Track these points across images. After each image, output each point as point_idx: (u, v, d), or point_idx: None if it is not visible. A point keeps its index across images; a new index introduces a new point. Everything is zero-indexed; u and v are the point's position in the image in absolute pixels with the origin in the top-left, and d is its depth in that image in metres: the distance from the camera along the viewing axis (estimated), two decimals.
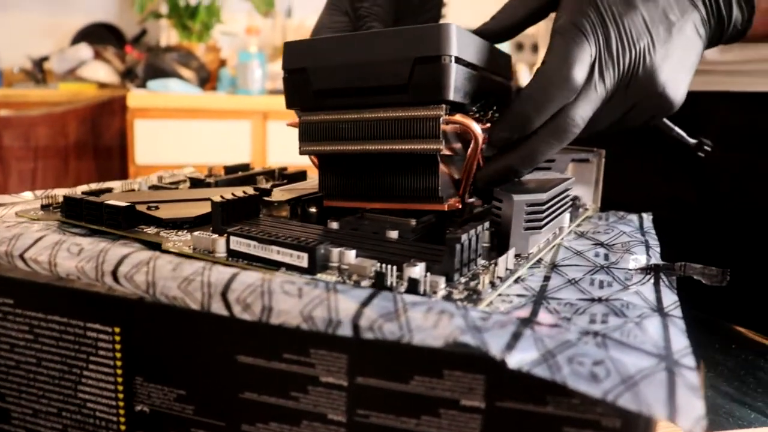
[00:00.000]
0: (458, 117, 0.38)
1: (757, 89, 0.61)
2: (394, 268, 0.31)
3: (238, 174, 0.62)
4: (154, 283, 0.30)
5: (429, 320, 0.26)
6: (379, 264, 0.32)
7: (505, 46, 2.71)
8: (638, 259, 0.40)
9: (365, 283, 0.32)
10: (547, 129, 0.39)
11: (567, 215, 0.45)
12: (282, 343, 0.28)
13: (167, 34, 2.61)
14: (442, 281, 0.31)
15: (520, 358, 0.24)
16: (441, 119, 0.37)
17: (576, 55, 0.38)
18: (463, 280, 0.33)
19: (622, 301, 0.31)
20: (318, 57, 0.40)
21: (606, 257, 0.40)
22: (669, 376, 0.23)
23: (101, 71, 2.46)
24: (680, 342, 0.27)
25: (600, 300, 0.32)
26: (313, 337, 0.28)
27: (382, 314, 0.26)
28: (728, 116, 0.63)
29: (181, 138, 2.17)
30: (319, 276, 0.33)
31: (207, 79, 2.33)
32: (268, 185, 0.57)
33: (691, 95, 0.64)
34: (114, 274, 0.31)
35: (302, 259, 0.33)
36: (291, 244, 0.33)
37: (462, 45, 0.37)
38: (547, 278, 0.36)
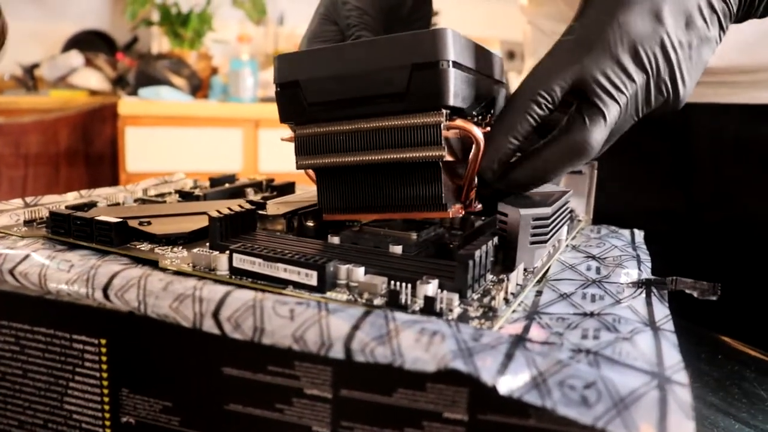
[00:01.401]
0: (459, 122, 0.38)
1: (747, 101, 0.61)
2: (408, 285, 0.31)
3: (225, 186, 0.61)
4: (144, 301, 0.30)
5: (421, 343, 0.26)
6: (388, 281, 0.31)
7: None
8: (630, 273, 0.40)
9: (378, 301, 0.31)
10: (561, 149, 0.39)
11: (565, 228, 0.45)
12: (267, 355, 0.28)
13: (159, 42, 2.61)
14: (455, 298, 0.31)
15: (511, 383, 0.24)
16: (442, 125, 0.37)
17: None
18: (475, 296, 0.32)
19: (614, 316, 0.31)
20: (311, 69, 0.40)
21: (598, 271, 0.40)
22: (661, 395, 0.23)
23: (92, 78, 2.46)
24: (672, 357, 0.27)
25: (592, 314, 0.32)
26: (301, 351, 0.28)
27: (374, 337, 0.26)
28: (719, 128, 0.64)
29: (173, 146, 2.16)
30: (329, 294, 0.32)
31: (198, 87, 2.33)
32: (257, 197, 0.56)
33: (683, 107, 0.65)
34: (105, 290, 0.31)
35: (311, 278, 0.32)
36: (299, 262, 0.32)
37: (458, 49, 0.37)
38: (539, 293, 0.36)
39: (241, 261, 0.34)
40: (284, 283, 0.33)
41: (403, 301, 0.30)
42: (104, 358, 0.32)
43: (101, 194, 0.55)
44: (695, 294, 0.38)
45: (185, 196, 0.58)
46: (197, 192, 0.57)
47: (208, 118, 2.19)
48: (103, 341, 0.32)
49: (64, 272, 0.32)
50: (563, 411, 0.23)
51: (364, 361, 0.26)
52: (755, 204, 0.63)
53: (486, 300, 0.32)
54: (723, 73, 0.62)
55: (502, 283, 0.34)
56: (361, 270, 0.33)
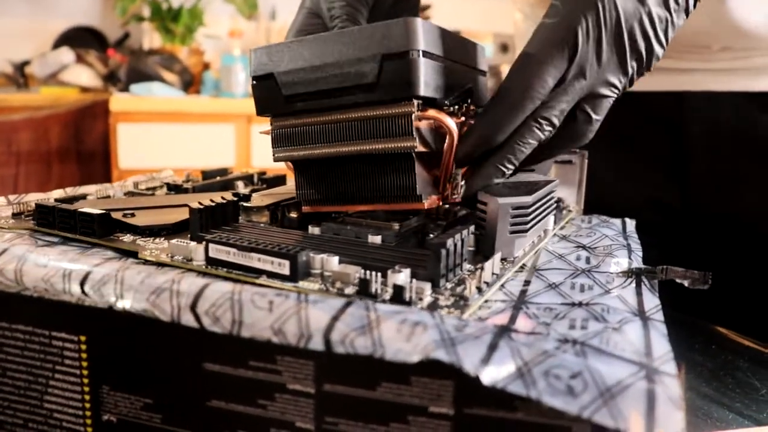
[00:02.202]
0: (431, 112, 0.37)
1: (742, 89, 0.61)
2: (379, 274, 0.30)
3: (216, 179, 0.62)
4: (122, 295, 0.29)
5: (402, 334, 0.25)
6: (362, 270, 0.31)
7: (489, 49, 2.72)
8: (620, 262, 0.39)
9: (349, 290, 0.31)
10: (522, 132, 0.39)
11: (551, 218, 0.45)
12: (248, 350, 0.28)
13: (150, 38, 2.60)
14: (428, 287, 0.30)
15: (495, 373, 0.23)
16: (413, 116, 0.37)
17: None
18: (449, 285, 0.32)
19: (603, 306, 0.31)
20: (285, 62, 0.40)
21: (588, 261, 0.40)
22: (649, 385, 0.23)
23: (83, 75, 2.44)
24: (661, 347, 0.26)
25: (580, 304, 0.31)
26: (280, 344, 0.27)
27: (354, 328, 0.26)
28: (713, 117, 0.63)
29: (165, 142, 2.15)
30: (301, 284, 0.32)
31: (190, 83, 2.32)
32: (246, 190, 0.57)
33: (676, 96, 0.64)
34: (81, 285, 0.30)
35: (284, 267, 0.32)
36: (272, 251, 0.32)
37: (429, 38, 0.37)
38: (527, 282, 0.35)
39: (216, 251, 0.34)
40: (258, 272, 0.33)
41: (374, 290, 0.30)
42: (84, 356, 0.32)
43: (90, 191, 0.55)
44: (686, 283, 0.37)
45: (174, 188, 0.58)
46: (186, 185, 0.57)
47: (200, 114, 2.18)
48: (83, 338, 0.31)
49: (41, 267, 0.32)
50: (548, 401, 0.23)
51: (344, 352, 0.26)
52: (750, 193, 0.63)
53: (459, 289, 0.32)
54: (716, 61, 0.61)
55: (479, 272, 0.33)
56: (335, 259, 0.33)
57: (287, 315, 0.27)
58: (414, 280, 0.31)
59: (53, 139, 2.19)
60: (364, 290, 0.30)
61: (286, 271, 0.32)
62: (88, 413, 0.32)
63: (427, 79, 0.37)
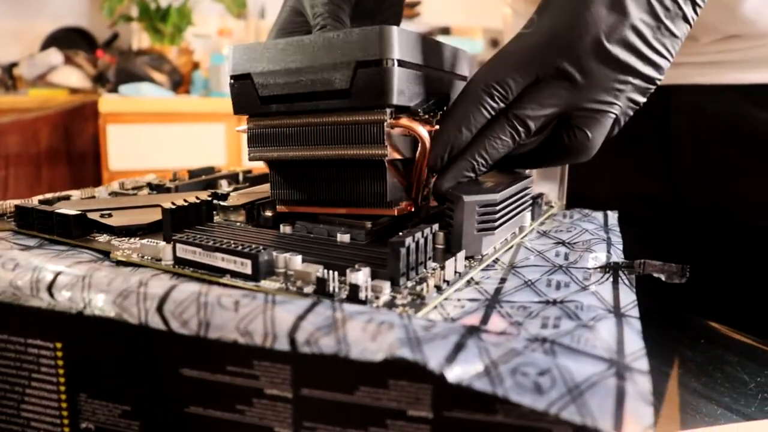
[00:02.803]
0: (403, 121, 0.38)
1: (729, 82, 0.60)
2: (336, 273, 0.30)
3: (201, 178, 0.62)
4: (90, 299, 0.29)
5: (367, 333, 0.25)
6: (323, 269, 0.31)
7: (479, 45, 2.72)
8: (598, 257, 0.39)
9: (308, 289, 0.31)
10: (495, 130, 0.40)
11: (527, 214, 0.45)
12: (225, 355, 0.28)
13: (139, 38, 2.59)
14: (386, 286, 0.31)
15: (460, 371, 0.23)
16: (385, 124, 0.37)
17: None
18: (409, 284, 0.32)
19: (577, 303, 0.31)
20: (262, 63, 0.40)
21: (566, 257, 0.39)
22: (618, 382, 0.23)
23: (72, 76, 2.43)
24: (634, 344, 0.26)
25: (555, 302, 0.31)
26: (256, 348, 0.27)
27: (319, 327, 0.26)
28: (701, 110, 0.63)
29: (155, 142, 2.14)
30: (263, 283, 0.32)
31: (180, 83, 2.31)
32: (230, 188, 0.57)
33: (663, 89, 0.64)
34: (49, 289, 0.30)
35: (246, 266, 0.32)
36: (235, 251, 0.33)
37: (405, 47, 0.37)
38: (503, 280, 0.35)
39: (183, 251, 0.35)
40: (223, 272, 0.33)
41: (331, 288, 0.30)
42: (60, 363, 0.31)
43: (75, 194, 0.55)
44: (663, 277, 0.37)
45: (157, 188, 0.58)
46: (169, 185, 0.57)
47: (190, 114, 2.17)
48: (59, 345, 0.31)
49: (8, 271, 0.31)
50: (515, 398, 0.23)
51: (309, 352, 0.26)
52: (739, 186, 0.63)
53: (419, 288, 0.32)
54: (703, 53, 0.61)
55: (440, 271, 0.34)
56: (298, 258, 0.33)
57: (253, 315, 0.27)
58: (372, 279, 0.31)
59: (42, 142, 2.18)
60: (321, 289, 0.30)
61: (248, 270, 0.32)
62: (65, 421, 0.32)
63: (400, 87, 0.37)
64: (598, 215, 0.52)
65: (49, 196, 0.52)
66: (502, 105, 0.39)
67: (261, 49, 0.40)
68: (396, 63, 0.36)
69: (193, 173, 0.63)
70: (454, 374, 0.23)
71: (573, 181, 0.58)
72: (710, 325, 0.62)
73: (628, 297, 0.33)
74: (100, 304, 0.29)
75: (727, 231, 0.65)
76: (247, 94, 0.41)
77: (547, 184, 0.52)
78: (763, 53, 0.58)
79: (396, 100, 0.37)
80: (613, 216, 0.52)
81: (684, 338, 0.58)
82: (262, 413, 0.28)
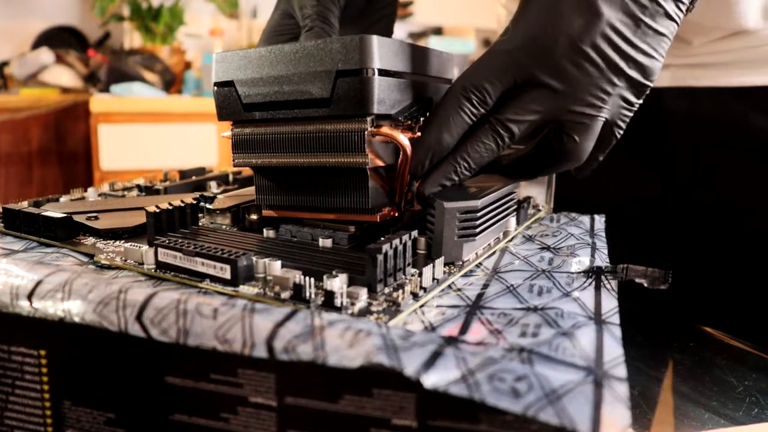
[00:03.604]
0: (385, 129, 0.38)
1: (721, 84, 0.60)
2: (312, 280, 0.31)
3: (191, 179, 0.62)
4: (69, 309, 0.29)
5: (345, 340, 0.25)
6: (300, 275, 0.31)
7: (471, 45, 2.72)
8: (582, 261, 0.39)
9: (285, 294, 0.31)
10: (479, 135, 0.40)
11: (512, 219, 0.45)
12: (209, 363, 0.27)
13: (130, 37, 2.58)
14: (363, 292, 0.31)
15: (437, 378, 0.23)
16: (366, 133, 0.37)
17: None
18: (387, 290, 0.32)
19: (557, 310, 0.31)
20: (244, 70, 0.40)
21: (550, 262, 0.39)
22: (596, 389, 0.23)
23: (64, 76, 2.42)
24: (613, 351, 0.26)
25: (536, 309, 0.31)
26: (240, 357, 0.27)
27: (297, 335, 0.26)
28: (694, 112, 0.63)
29: (147, 142, 2.13)
30: (241, 288, 0.32)
31: (172, 82, 2.30)
32: (219, 190, 0.57)
33: (655, 92, 0.64)
34: (29, 297, 0.30)
35: (225, 271, 0.33)
36: (214, 256, 0.33)
37: (385, 55, 0.37)
38: (485, 286, 0.35)
39: (164, 255, 0.35)
40: (202, 276, 0.34)
41: (307, 295, 0.30)
42: (44, 370, 0.31)
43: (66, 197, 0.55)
44: (645, 283, 0.37)
45: (146, 190, 0.58)
46: (158, 186, 0.57)
47: (182, 114, 2.16)
48: (43, 352, 0.31)
49: None
50: (492, 402, 0.23)
51: (287, 359, 0.26)
52: (732, 188, 0.63)
53: (396, 294, 0.32)
54: (695, 56, 0.61)
55: (417, 278, 0.34)
56: (278, 264, 0.34)
57: (231, 323, 0.27)
58: (347, 286, 0.31)
59: (34, 141, 2.17)
60: (297, 295, 0.30)
61: (227, 275, 0.33)
62: (50, 429, 0.32)
63: (381, 96, 0.37)
64: (585, 219, 0.52)
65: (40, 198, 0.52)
66: (482, 110, 0.39)
67: (244, 56, 0.40)
68: (376, 72, 0.36)
69: (183, 174, 0.63)
70: (430, 381, 0.24)
71: (566, 184, 0.57)
72: (700, 328, 0.62)
73: (609, 303, 0.33)
74: (80, 312, 0.29)
75: (720, 232, 0.65)
76: (230, 101, 0.41)
77: (534, 188, 0.52)
78: (757, 55, 0.58)
79: (376, 109, 0.37)
80: (599, 220, 0.52)
81: (673, 342, 0.58)
82: (247, 421, 0.28)
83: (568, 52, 0.38)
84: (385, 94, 0.37)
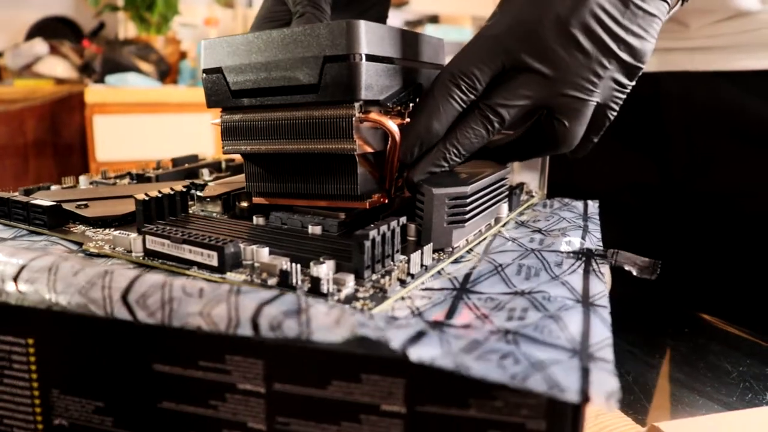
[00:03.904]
0: (373, 115, 0.38)
1: (719, 68, 0.60)
2: (299, 266, 0.30)
3: (184, 166, 0.62)
4: (55, 290, 0.29)
5: (330, 316, 0.25)
6: (288, 262, 0.31)
7: (467, 33, 2.71)
8: (572, 241, 0.39)
9: (272, 281, 0.31)
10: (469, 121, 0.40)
11: (504, 205, 0.45)
12: (197, 349, 0.27)
13: (125, 27, 2.56)
14: (350, 279, 0.31)
15: (422, 352, 0.23)
16: (354, 119, 0.37)
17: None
18: (374, 277, 0.32)
19: (545, 294, 0.31)
20: (232, 57, 0.40)
21: (541, 242, 0.39)
22: (582, 368, 0.23)
23: (58, 67, 2.40)
24: (600, 334, 0.26)
25: (523, 293, 0.31)
26: (228, 342, 0.26)
27: (283, 311, 0.26)
28: (691, 97, 0.63)
29: (143, 133, 2.13)
30: (228, 275, 0.32)
31: (167, 72, 2.29)
32: (211, 178, 0.57)
33: (653, 77, 0.64)
34: (15, 280, 0.29)
35: (212, 258, 0.33)
36: (201, 243, 0.33)
37: (373, 41, 0.37)
38: (474, 267, 0.35)
39: (152, 242, 0.35)
40: (190, 264, 0.34)
41: (294, 281, 0.30)
42: (33, 359, 0.31)
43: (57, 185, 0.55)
44: (634, 271, 0.37)
45: (138, 178, 0.58)
46: (150, 174, 0.57)
47: (177, 104, 2.15)
48: (31, 341, 0.31)
49: None
50: (478, 372, 0.23)
51: (273, 336, 0.26)
52: (730, 173, 0.62)
53: (383, 281, 0.32)
54: (691, 39, 0.60)
55: (404, 264, 0.34)
56: (266, 250, 0.34)
57: (216, 301, 0.27)
58: (334, 272, 0.31)
59: (29, 133, 2.16)
60: (284, 282, 0.30)
61: (214, 262, 0.33)
62: (39, 418, 0.31)
63: (368, 82, 0.37)
64: (578, 204, 0.52)
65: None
66: (471, 96, 0.39)
67: (232, 43, 0.40)
68: (364, 57, 0.36)
69: (176, 162, 0.63)
70: (416, 354, 0.23)
71: (561, 171, 0.57)
72: (696, 314, 0.62)
73: (598, 286, 0.33)
74: (66, 294, 0.29)
75: (718, 218, 0.65)
76: (218, 88, 0.41)
77: (528, 174, 0.51)
78: (754, 38, 0.58)
79: (364, 94, 0.37)
80: (593, 205, 0.52)
81: (668, 328, 0.58)
82: (235, 408, 0.27)
83: (555, 34, 0.37)
84: (373, 80, 0.37)
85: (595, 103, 0.40)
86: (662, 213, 0.69)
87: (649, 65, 0.63)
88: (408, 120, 0.40)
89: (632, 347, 0.53)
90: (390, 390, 0.25)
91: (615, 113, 0.41)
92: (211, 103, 0.42)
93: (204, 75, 0.42)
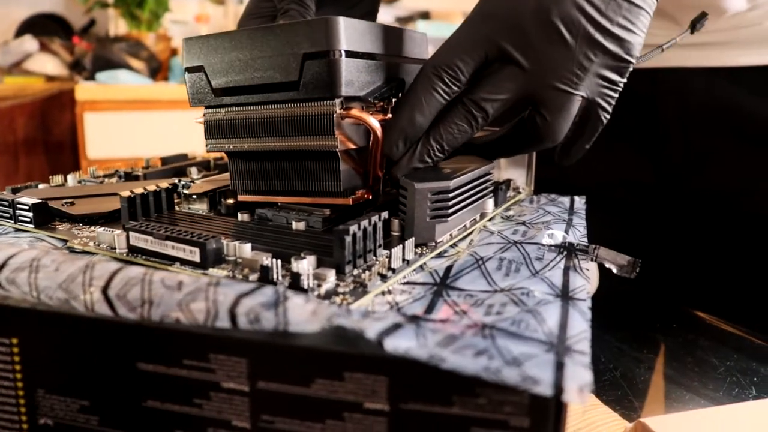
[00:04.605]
0: (354, 112, 0.38)
1: (714, 64, 0.60)
2: (279, 261, 0.31)
3: (173, 165, 0.62)
4: (36, 285, 0.29)
5: (307, 308, 0.25)
6: (271, 257, 0.31)
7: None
8: (554, 235, 0.39)
9: (253, 276, 0.31)
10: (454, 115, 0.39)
11: (490, 200, 0.45)
12: (180, 348, 0.27)
13: (115, 24, 2.55)
14: (331, 274, 0.31)
15: (397, 343, 0.24)
16: (335, 116, 0.37)
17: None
18: (356, 272, 0.32)
19: (524, 289, 0.31)
20: (214, 54, 0.40)
21: (523, 234, 0.40)
22: (557, 359, 0.23)
23: (48, 64, 2.39)
24: (577, 327, 0.27)
25: (503, 290, 0.31)
26: (212, 341, 0.26)
27: (261, 303, 0.26)
28: (685, 93, 0.63)
29: (134, 130, 2.12)
30: (211, 270, 0.33)
31: (158, 69, 2.28)
32: (199, 176, 0.57)
33: (648, 73, 0.64)
34: None
35: (194, 254, 0.33)
36: (184, 239, 0.33)
37: (352, 37, 0.37)
38: (455, 262, 0.35)
39: (136, 239, 0.35)
40: (173, 260, 0.34)
41: (274, 276, 0.30)
42: (17, 358, 0.31)
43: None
44: (613, 269, 0.37)
45: (126, 176, 0.58)
46: (138, 172, 0.57)
47: (169, 101, 2.14)
48: (15, 340, 0.31)
49: None
50: (453, 364, 0.23)
51: (250, 328, 0.26)
52: (725, 170, 0.62)
53: (364, 276, 0.32)
54: (690, 35, 0.60)
55: (385, 258, 0.34)
56: (248, 246, 0.34)
57: (195, 293, 0.27)
58: (313, 268, 0.32)
59: (19, 130, 2.15)
60: (264, 277, 0.30)
61: (197, 258, 0.33)
62: (23, 418, 0.31)
63: (349, 78, 0.37)
64: (565, 200, 0.52)
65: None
66: (455, 88, 0.38)
67: (213, 41, 0.40)
68: (343, 54, 0.36)
69: (165, 161, 0.63)
70: (391, 344, 0.24)
71: (555, 167, 0.57)
72: (687, 311, 0.62)
73: (578, 281, 0.33)
74: (48, 289, 0.29)
75: (712, 215, 0.65)
76: (200, 86, 0.41)
77: (515, 170, 0.51)
78: (748, 34, 0.58)
79: (345, 91, 0.37)
80: (580, 200, 0.52)
81: (657, 323, 0.58)
82: (220, 407, 0.27)
83: (536, 24, 0.37)
84: (353, 76, 0.37)
85: (580, 98, 0.39)
86: (654, 209, 0.69)
87: (642, 62, 0.63)
88: (390, 116, 0.40)
89: (620, 343, 0.53)
90: (373, 388, 0.25)
91: (608, 114, 0.41)
92: (193, 102, 0.43)
93: (186, 73, 0.42)
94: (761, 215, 0.61)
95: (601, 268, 0.53)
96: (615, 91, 0.40)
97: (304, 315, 0.25)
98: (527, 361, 0.23)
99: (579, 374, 0.22)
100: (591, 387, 0.22)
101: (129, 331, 0.28)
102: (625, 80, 0.40)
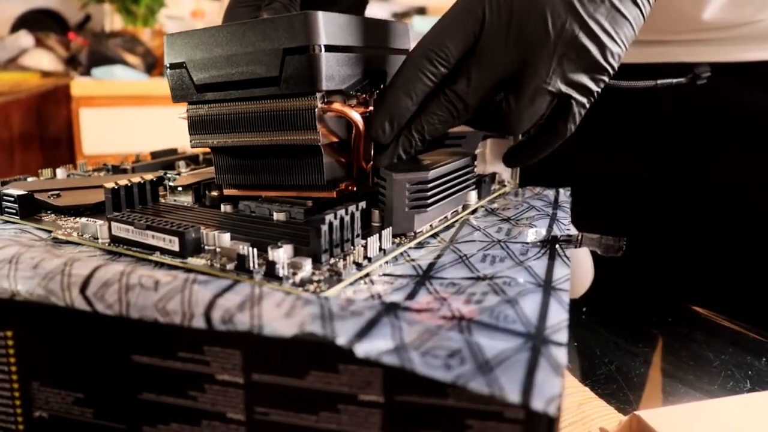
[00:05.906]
0: (336, 105, 0.38)
1: (712, 59, 0.60)
2: (255, 250, 0.31)
3: (162, 159, 0.62)
4: (16, 281, 0.29)
5: (282, 309, 0.25)
6: (248, 247, 0.31)
7: None
8: (539, 232, 0.39)
9: (230, 266, 0.32)
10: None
11: (473, 192, 0.45)
12: (175, 340, 0.27)
13: (111, 20, 2.54)
14: (308, 263, 0.31)
15: (369, 347, 0.24)
16: (316, 110, 0.37)
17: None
18: (332, 261, 0.32)
19: (506, 279, 0.31)
20: (196, 51, 0.40)
21: (507, 232, 0.40)
22: (532, 355, 0.23)
23: (44, 59, 2.38)
24: (557, 317, 0.27)
25: (485, 278, 0.31)
26: (206, 333, 0.26)
27: (235, 304, 0.26)
28: (684, 89, 0.63)
29: (130, 126, 2.12)
30: (189, 260, 0.33)
31: (154, 65, 2.28)
32: (188, 170, 0.57)
33: (646, 68, 0.64)
34: None
35: (174, 243, 0.33)
36: (163, 229, 0.33)
37: (332, 31, 0.37)
38: (439, 256, 0.35)
39: (118, 229, 0.35)
40: (153, 249, 0.34)
41: (251, 265, 0.30)
42: (12, 351, 0.31)
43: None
44: (599, 251, 0.37)
45: (114, 170, 0.58)
46: (126, 166, 0.57)
47: (164, 96, 2.13)
48: (9, 333, 0.31)
49: None
50: (423, 371, 0.23)
51: (225, 329, 0.26)
52: (723, 166, 0.62)
53: (340, 264, 0.32)
54: (686, 32, 0.60)
55: (361, 248, 0.34)
56: (227, 236, 0.34)
57: (171, 294, 0.27)
58: (297, 256, 0.32)
59: (15, 126, 2.14)
60: (241, 266, 0.31)
61: (175, 247, 0.33)
62: (18, 410, 0.31)
63: (329, 72, 0.37)
64: (550, 193, 0.52)
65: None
66: (442, 69, 0.38)
67: (195, 37, 0.40)
68: (323, 49, 0.36)
69: (155, 155, 0.63)
70: (363, 350, 0.24)
71: (551, 161, 0.57)
72: (682, 305, 0.62)
73: (561, 271, 0.33)
74: (28, 287, 0.29)
75: (709, 210, 0.65)
76: (183, 82, 0.41)
77: (500, 164, 0.51)
78: (747, 31, 0.57)
79: (325, 85, 0.37)
80: (564, 193, 0.52)
81: (652, 317, 0.58)
82: (214, 399, 0.27)
83: (526, 8, 0.37)
84: (334, 70, 0.37)
85: (549, 97, 0.39)
86: (650, 203, 0.69)
87: (643, 57, 0.63)
88: (372, 108, 0.40)
89: (616, 337, 0.53)
90: (368, 380, 0.25)
91: (573, 126, 0.41)
92: (176, 98, 0.43)
93: (168, 70, 0.42)
94: (758, 210, 0.61)
95: (597, 263, 0.53)
96: (587, 99, 0.40)
97: (278, 316, 0.25)
98: (498, 366, 0.23)
99: (549, 385, 0.22)
100: (559, 401, 0.22)
101: (123, 324, 0.28)
102: (599, 90, 0.40)
